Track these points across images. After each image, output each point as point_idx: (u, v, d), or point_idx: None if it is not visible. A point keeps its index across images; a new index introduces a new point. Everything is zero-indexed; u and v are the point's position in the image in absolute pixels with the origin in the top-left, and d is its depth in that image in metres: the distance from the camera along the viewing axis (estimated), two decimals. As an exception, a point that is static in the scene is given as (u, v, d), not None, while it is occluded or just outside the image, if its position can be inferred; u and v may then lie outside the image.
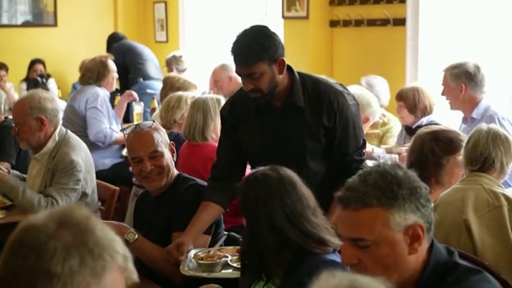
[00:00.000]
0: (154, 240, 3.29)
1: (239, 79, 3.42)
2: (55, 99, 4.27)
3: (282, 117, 3.33)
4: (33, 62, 9.44)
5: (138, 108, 6.86)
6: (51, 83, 9.54)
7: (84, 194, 4.10)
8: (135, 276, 1.46)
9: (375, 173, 1.92)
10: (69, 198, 3.96)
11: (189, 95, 5.23)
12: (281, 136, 3.34)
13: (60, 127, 4.18)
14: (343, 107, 3.31)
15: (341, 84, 3.50)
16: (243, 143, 3.45)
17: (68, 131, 4.26)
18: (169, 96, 5.30)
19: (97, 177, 4.44)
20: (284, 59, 3.25)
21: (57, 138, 4.11)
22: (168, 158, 3.39)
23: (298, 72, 3.37)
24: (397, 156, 4.93)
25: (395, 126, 5.70)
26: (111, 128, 6.02)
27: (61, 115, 6.11)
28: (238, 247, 3.06)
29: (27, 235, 1.38)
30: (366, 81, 5.88)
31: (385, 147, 5.27)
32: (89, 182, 4.14)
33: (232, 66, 6.93)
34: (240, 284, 2.71)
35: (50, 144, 4.10)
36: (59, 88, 9.18)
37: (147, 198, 3.51)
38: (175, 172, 3.46)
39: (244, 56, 3.20)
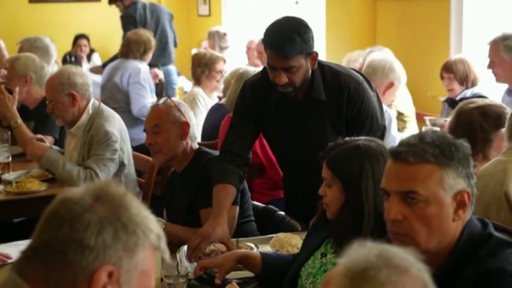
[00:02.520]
0: (182, 215, 3.30)
1: None
2: (85, 74, 4.28)
3: (304, 109, 3.27)
4: (78, 37, 9.53)
5: (179, 82, 6.89)
6: (95, 58, 9.64)
7: (122, 164, 4.13)
8: (167, 255, 1.47)
9: (432, 133, 1.93)
10: (107, 169, 4.00)
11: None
12: (303, 128, 3.29)
13: (93, 100, 4.21)
14: (364, 97, 3.24)
15: (361, 74, 3.42)
16: (264, 130, 3.42)
17: (101, 103, 4.29)
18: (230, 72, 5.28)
19: (141, 151, 4.48)
20: (317, 52, 3.17)
21: (90, 111, 4.15)
22: (173, 136, 3.33)
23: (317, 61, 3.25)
24: (438, 129, 4.87)
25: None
26: (153, 102, 6.04)
27: (97, 89, 6.16)
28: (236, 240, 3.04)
29: (62, 207, 1.40)
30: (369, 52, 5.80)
31: (429, 118, 5.23)
32: (125, 152, 4.17)
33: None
34: (306, 240, 2.69)
35: (84, 117, 4.14)
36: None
37: (174, 175, 3.52)
38: (194, 147, 3.40)
39: (286, 48, 3.05)
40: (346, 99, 3.22)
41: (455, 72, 5.18)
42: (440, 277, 1.66)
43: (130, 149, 4.27)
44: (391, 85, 4.91)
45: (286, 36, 3.06)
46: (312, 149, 2.94)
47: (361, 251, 1.37)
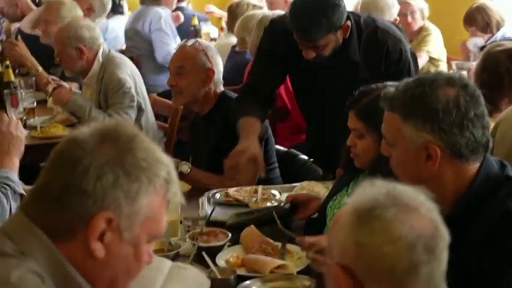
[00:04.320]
0: (204, 161, 3.30)
1: None
2: (93, 26, 4.27)
3: (334, 68, 3.13)
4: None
5: (205, 28, 6.82)
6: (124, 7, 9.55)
7: (140, 109, 4.14)
8: (179, 199, 1.44)
9: (417, 81, 1.90)
10: (128, 116, 4.02)
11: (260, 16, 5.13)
12: (332, 85, 3.17)
13: (102, 48, 4.20)
14: (401, 54, 3.14)
15: (396, 25, 3.31)
16: (290, 76, 3.35)
17: (111, 50, 4.29)
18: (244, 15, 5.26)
19: (166, 97, 4.47)
20: (349, 23, 3.03)
21: (101, 59, 4.16)
22: (195, 80, 3.29)
23: (353, 15, 3.11)
24: (465, 72, 4.80)
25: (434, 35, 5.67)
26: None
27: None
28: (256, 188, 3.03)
29: (66, 149, 1.38)
30: None
31: (456, 62, 5.17)
32: (141, 96, 4.18)
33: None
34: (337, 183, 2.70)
35: (95, 66, 4.16)
36: (129, 9, 9.19)
37: (198, 118, 3.51)
38: (218, 91, 3.36)
39: (310, 31, 2.96)
40: (384, 58, 3.12)
41: (476, 24, 5.16)
42: (454, 218, 1.64)
43: (146, 93, 4.27)
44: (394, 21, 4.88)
45: (312, 20, 2.94)
46: (340, 106, 2.85)
47: (370, 190, 1.35)
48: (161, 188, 1.39)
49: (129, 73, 4.15)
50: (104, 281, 1.39)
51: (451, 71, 5.01)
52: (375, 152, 2.35)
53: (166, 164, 1.41)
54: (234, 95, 3.43)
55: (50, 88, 4.29)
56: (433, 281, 1.30)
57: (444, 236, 1.32)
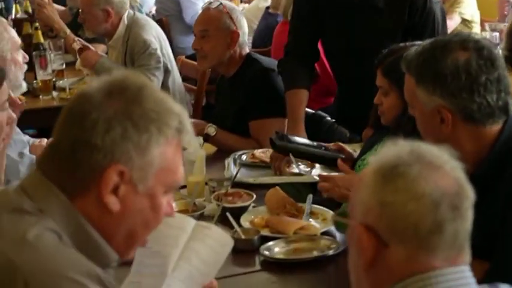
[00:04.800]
0: (230, 123, 3.29)
1: None
2: None
3: (359, 15, 3.12)
4: None
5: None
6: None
7: (166, 70, 4.12)
8: (191, 148, 1.44)
9: (431, 44, 1.90)
10: (156, 78, 4.00)
11: None
12: (356, 34, 3.15)
13: (127, 11, 4.18)
14: (426, 4, 3.10)
15: None
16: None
17: (136, 12, 4.27)
18: None
19: (195, 60, 4.46)
20: None
21: (126, 22, 4.14)
22: (220, 44, 3.27)
23: None
24: (497, 34, 4.72)
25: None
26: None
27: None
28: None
29: (75, 104, 1.37)
30: None
31: (489, 23, 5.08)
32: (167, 57, 4.16)
33: None
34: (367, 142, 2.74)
35: (121, 28, 4.14)
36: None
37: (224, 80, 3.49)
38: (243, 53, 3.35)
39: None
40: (409, 5, 3.09)
41: None
42: (478, 177, 1.61)
43: (172, 55, 4.25)
44: None
45: None
46: (365, 56, 2.87)
47: (394, 148, 1.32)
48: (173, 138, 1.38)
49: (154, 34, 4.13)
50: (121, 234, 1.39)
51: (483, 33, 4.92)
52: (399, 109, 2.39)
53: (177, 113, 1.40)
54: (260, 56, 3.43)
55: (75, 46, 4.28)
56: (457, 240, 1.27)
57: (469, 194, 1.29)
